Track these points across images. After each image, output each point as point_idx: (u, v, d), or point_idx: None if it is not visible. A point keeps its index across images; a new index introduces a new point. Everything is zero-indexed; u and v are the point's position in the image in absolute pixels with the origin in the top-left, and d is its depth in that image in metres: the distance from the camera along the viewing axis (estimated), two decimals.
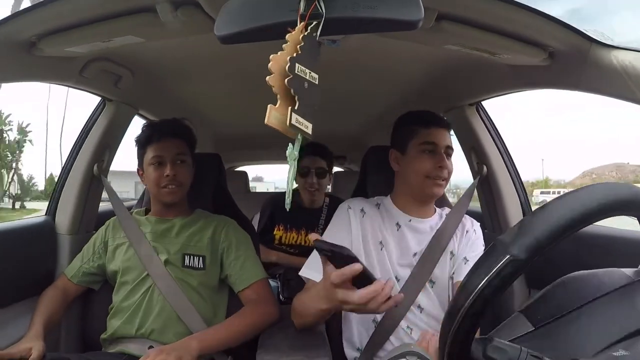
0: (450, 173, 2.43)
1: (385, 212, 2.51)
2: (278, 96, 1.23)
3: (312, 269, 2.29)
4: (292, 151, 1.28)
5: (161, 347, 2.25)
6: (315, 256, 2.31)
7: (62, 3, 1.76)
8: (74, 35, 1.94)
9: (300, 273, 2.35)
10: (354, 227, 2.42)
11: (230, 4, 1.44)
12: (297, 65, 1.24)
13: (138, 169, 2.88)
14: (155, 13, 1.79)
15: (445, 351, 1.13)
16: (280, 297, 3.63)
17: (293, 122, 1.23)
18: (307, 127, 1.27)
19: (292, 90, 1.23)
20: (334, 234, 2.39)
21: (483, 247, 2.51)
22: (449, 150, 2.45)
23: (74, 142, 3.13)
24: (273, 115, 1.21)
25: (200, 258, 2.72)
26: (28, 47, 2.00)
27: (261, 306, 2.63)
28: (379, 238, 2.42)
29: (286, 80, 1.22)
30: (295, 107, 1.23)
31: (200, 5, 1.71)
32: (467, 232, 2.52)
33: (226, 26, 1.42)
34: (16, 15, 1.76)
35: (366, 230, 2.43)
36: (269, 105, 1.21)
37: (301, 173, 4.26)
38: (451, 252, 2.44)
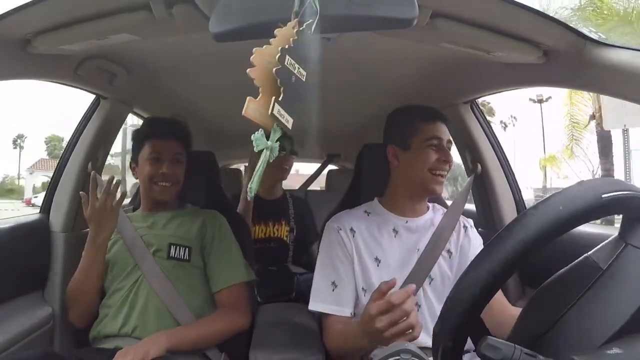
0: (451, 167, 2.41)
1: (377, 219, 2.47)
2: (260, 89, 1.22)
3: (320, 300, 2.31)
4: (261, 137, 1.26)
5: (127, 348, 2.26)
6: (318, 285, 2.33)
7: (57, 1, 1.76)
8: (68, 32, 1.93)
9: (311, 308, 2.34)
10: (348, 247, 2.39)
11: (224, 2, 1.44)
12: (287, 57, 1.24)
13: (131, 163, 2.89)
14: (150, 11, 1.80)
15: (440, 347, 1.13)
16: (258, 298, 3.60)
17: (275, 112, 1.22)
18: (288, 122, 1.26)
19: (278, 81, 1.22)
20: (335, 265, 2.37)
21: (482, 244, 2.52)
22: (449, 145, 2.45)
23: (68, 139, 3.13)
24: (251, 107, 1.19)
25: (187, 249, 2.71)
26: (23, 45, 1.99)
27: (231, 314, 2.64)
28: (374, 254, 2.38)
29: (274, 69, 1.21)
30: (280, 98, 1.23)
31: (194, 3, 1.71)
32: (465, 229, 2.52)
33: (220, 24, 1.43)
34: (11, 13, 1.76)
35: (360, 249, 2.38)
36: (247, 97, 1.20)
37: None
38: (448, 251, 2.43)
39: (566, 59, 1.93)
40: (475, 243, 2.49)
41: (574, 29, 1.78)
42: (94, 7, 1.83)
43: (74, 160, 3.03)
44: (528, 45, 1.95)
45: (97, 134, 3.03)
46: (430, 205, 2.60)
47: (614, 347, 0.99)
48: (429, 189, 2.41)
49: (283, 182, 4.58)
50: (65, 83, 2.56)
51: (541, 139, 45.85)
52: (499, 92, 2.76)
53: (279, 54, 1.22)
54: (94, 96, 2.97)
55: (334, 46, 1.93)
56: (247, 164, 4.17)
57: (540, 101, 47.61)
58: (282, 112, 1.24)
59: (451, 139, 2.47)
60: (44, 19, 1.88)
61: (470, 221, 2.61)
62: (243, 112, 1.18)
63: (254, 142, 1.26)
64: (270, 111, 1.21)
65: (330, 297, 2.30)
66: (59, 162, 3.13)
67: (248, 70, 1.19)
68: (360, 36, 2.19)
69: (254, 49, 1.22)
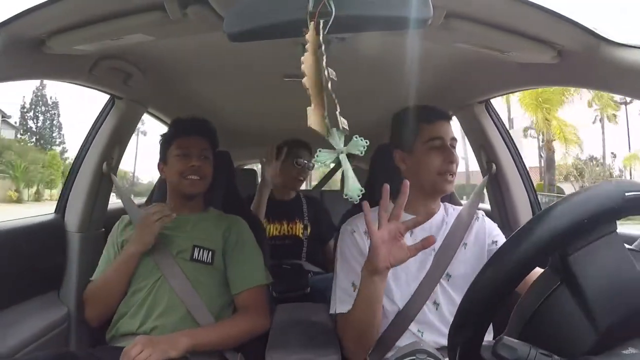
0: (457, 165, 2.40)
1: None
2: (312, 98, 1.24)
3: (341, 302, 2.29)
4: (326, 154, 1.29)
5: (150, 337, 2.28)
6: (338, 287, 2.33)
7: (71, 1, 1.77)
8: (83, 33, 1.94)
9: (332, 311, 2.33)
10: (363, 249, 2.35)
11: (239, 2, 1.44)
12: (329, 69, 1.25)
13: (159, 164, 2.93)
14: (164, 11, 1.80)
15: (455, 347, 1.12)
16: (273, 293, 3.60)
17: (344, 125, 1.24)
18: (345, 124, 1.28)
19: (333, 95, 1.24)
20: (353, 267, 2.34)
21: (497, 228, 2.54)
22: (454, 142, 2.42)
23: (83, 139, 3.14)
24: (312, 118, 1.22)
25: (210, 252, 2.72)
26: (38, 45, 2.00)
27: (251, 316, 2.65)
28: None
29: (329, 85, 1.23)
30: (338, 110, 1.24)
31: (209, 3, 1.71)
32: (477, 219, 2.51)
33: (235, 24, 1.43)
34: (26, 13, 1.76)
35: None
36: (308, 108, 1.23)
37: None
38: (464, 244, 2.42)
39: (581, 59, 1.91)
40: (489, 230, 2.49)
41: (588, 29, 1.76)
42: (108, 7, 1.84)
43: (89, 161, 3.03)
44: (542, 45, 1.94)
45: (112, 134, 3.04)
46: (441, 203, 2.58)
47: (630, 347, 0.98)
48: (440, 190, 2.40)
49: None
50: (80, 83, 2.56)
51: None
52: (515, 91, 2.76)
53: (325, 71, 1.23)
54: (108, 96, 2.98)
55: (348, 46, 1.93)
56: (264, 159, 4.18)
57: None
58: (343, 120, 1.26)
59: (455, 137, 2.44)
60: (59, 19, 1.88)
61: (481, 212, 2.60)
62: (308, 123, 1.21)
63: (317, 161, 1.30)
64: (341, 127, 1.24)
65: (351, 298, 2.25)
66: (73, 162, 3.14)
67: (303, 81, 1.21)
68: (374, 36, 2.19)
69: (302, 58, 1.23)
